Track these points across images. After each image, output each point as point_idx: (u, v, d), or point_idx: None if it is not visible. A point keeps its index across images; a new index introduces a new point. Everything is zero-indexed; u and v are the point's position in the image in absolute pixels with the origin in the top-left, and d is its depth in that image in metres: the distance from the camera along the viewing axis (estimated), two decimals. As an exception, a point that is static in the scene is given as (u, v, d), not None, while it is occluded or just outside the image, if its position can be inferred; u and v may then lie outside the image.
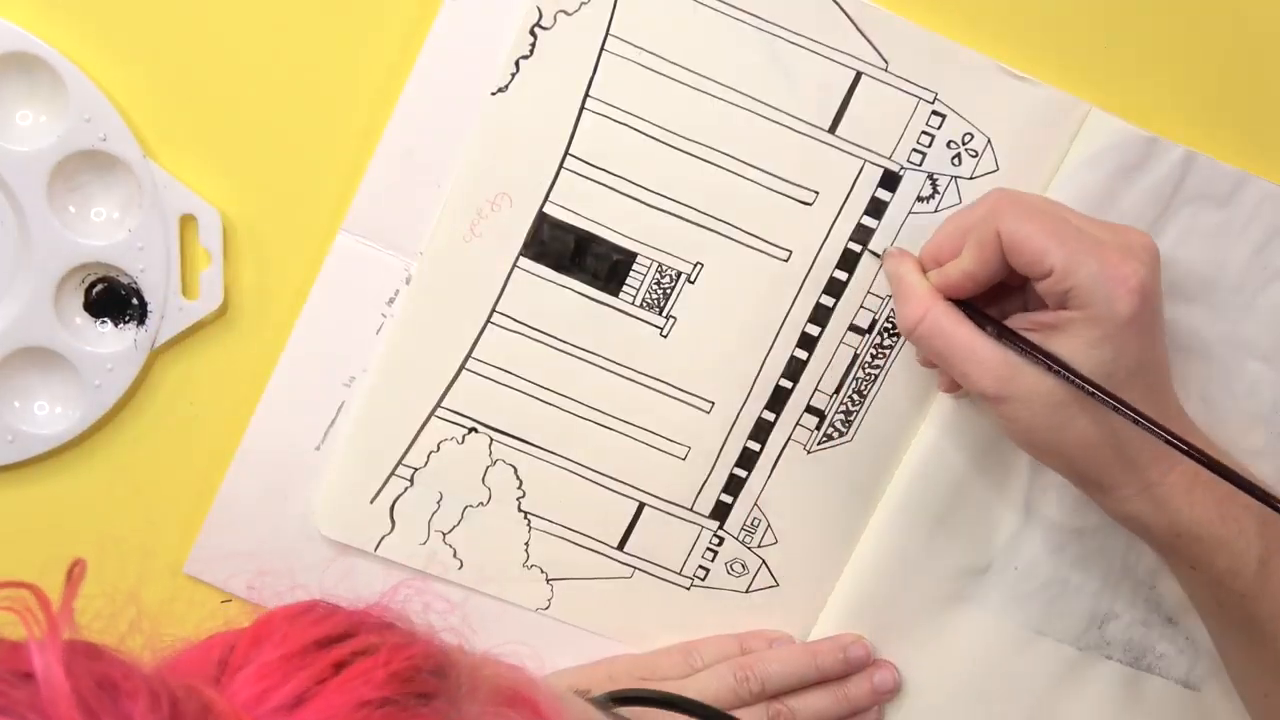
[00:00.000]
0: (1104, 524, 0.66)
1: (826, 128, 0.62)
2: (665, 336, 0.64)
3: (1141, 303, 0.55)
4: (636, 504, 0.66)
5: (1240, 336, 0.65)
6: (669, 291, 0.64)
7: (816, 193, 0.63)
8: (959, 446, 0.65)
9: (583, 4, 0.60)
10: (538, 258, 0.63)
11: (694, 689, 0.65)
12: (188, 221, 0.62)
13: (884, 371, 0.65)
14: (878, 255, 0.63)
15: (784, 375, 0.65)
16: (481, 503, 0.66)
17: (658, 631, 0.68)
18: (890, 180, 0.63)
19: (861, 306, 0.64)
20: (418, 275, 0.63)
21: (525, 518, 0.66)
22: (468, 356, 0.64)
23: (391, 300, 0.64)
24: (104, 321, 0.63)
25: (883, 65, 0.62)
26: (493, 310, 0.64)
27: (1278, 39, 0.63)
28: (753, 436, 0.66)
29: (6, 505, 0.65)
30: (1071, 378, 0.55)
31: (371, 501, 0.65)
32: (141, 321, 0.63)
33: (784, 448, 0.66)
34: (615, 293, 0.64)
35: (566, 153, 0.62)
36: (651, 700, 0.54)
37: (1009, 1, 0.62)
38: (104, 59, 0.61)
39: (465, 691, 0.37)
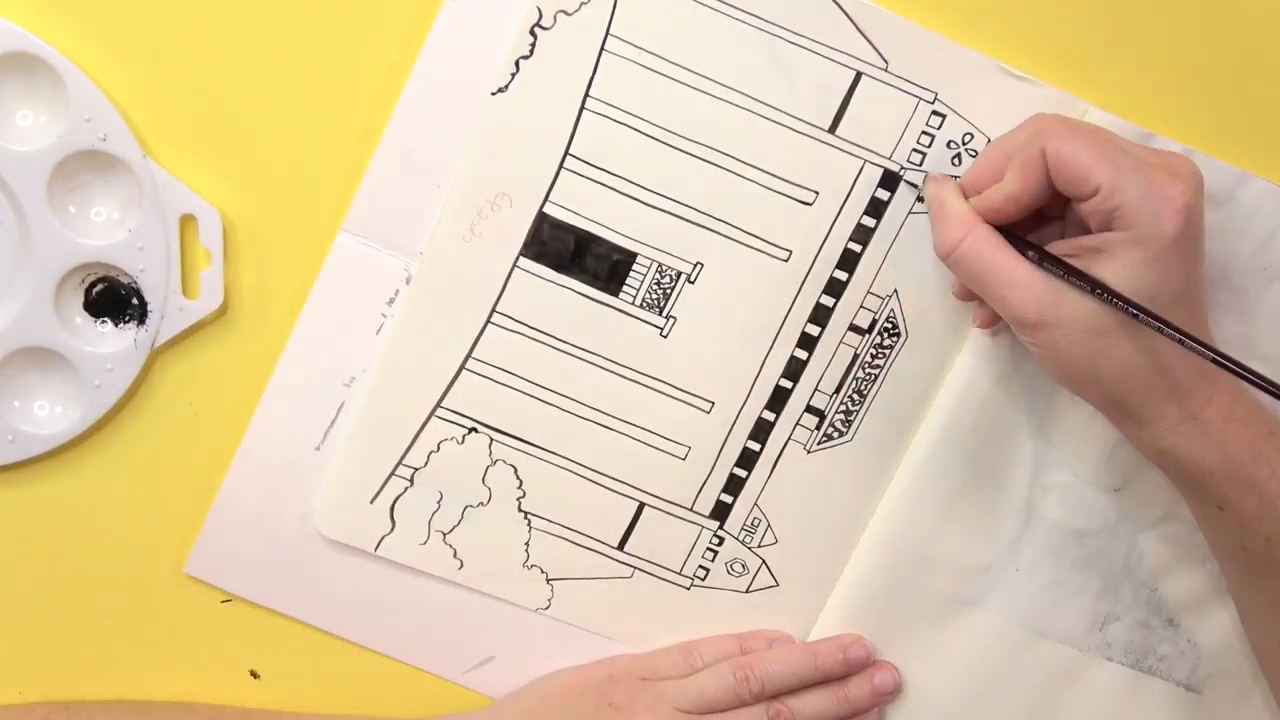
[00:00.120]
0: (1105, 526, 0.67)
1: (826, 128, 0.62)
2: (665, 336, 0.64)
3: (1187, 223, 0.54)
4: (636, 504, 0.66)
5: (1241, 337, 0.65)
6: (669, 291, 0.64)
7: (816, 193, 0.63)
8: (960, 446, 0.65)
9: (583, 4, 0.61)
10: (538, 258, 0.63)
11: (694, 689, 0.65)
12: (188, 221, 0.62)
13: (884, 371, 0.65)
14: (915, 186, 0.63)
15: (784, 375, 0.65)
16: (482, 503, 0.66)
17: (658, 632, 0.68)
18: (890, 180, 0.63)
19: (861, 306, 0.64)
20: (418, 275, 0.63)
21: (525, 518, 0.66)
22: (468, 356, 0.64)
23: (391, 300, 0.64)
24: (104, 321, 0.63)
25: (883, 65, 0.62)
26: (493, 310, 0.64)
27: (1276, 39, 0.63)
28: (753, 436, 0.66)
29: (6, 505, 0.65)
30: (1116, 301, 0.54)
31: (372, 501, 0.65)
32: (141, 321, 0.63)
33: (784, 448, 0.66)
34: (615, 293, 0.64)
35: (566, 153, 0.62)
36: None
37: (1009, 1, 0.62)
38: (104, 59, 0.61)
39: None
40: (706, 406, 0.65)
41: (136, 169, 0.61)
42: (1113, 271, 0.55)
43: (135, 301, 0.63)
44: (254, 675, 0.68)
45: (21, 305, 0.62)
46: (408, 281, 0.63)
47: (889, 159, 0.63)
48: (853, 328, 0.65)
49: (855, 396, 0.65)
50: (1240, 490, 0.57)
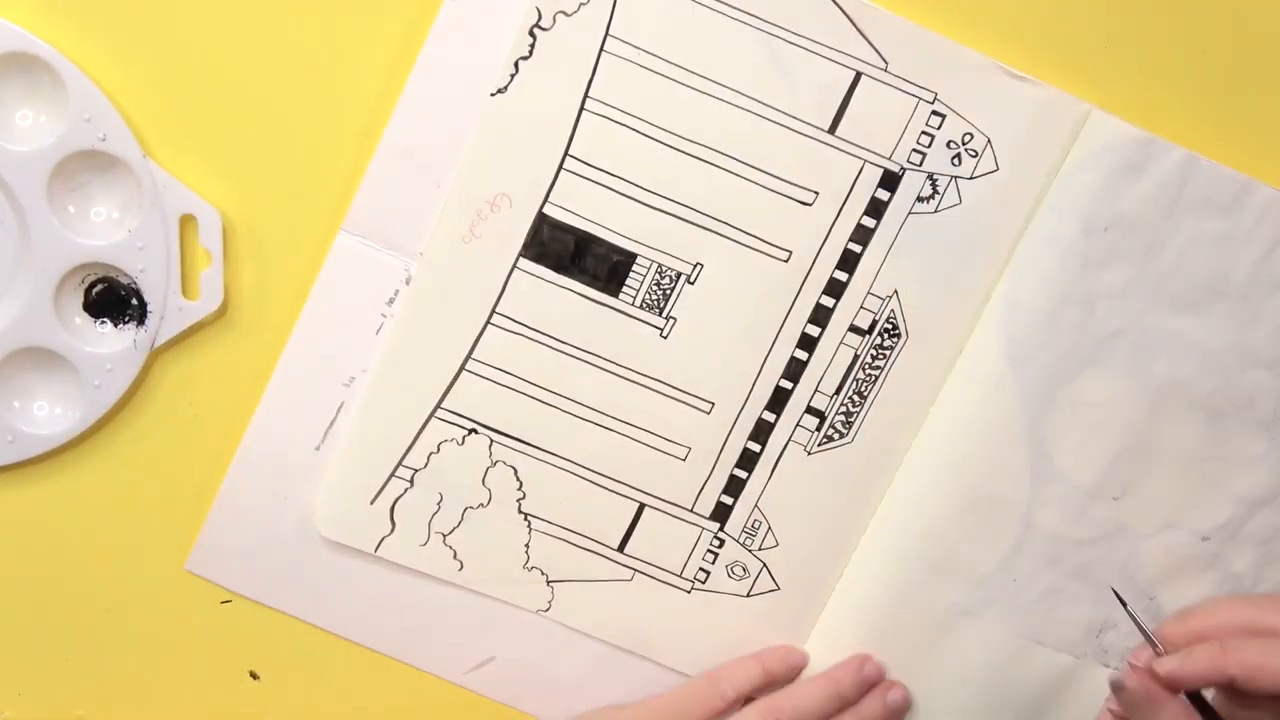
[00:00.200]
0: (1103, 534, 0.66)
1: (826, 128, 0.62)
2: (665, 337, 0.64)
3: None
4: (637, 505, 0.66)
5: (1244, 346, 0.65)
6: (669, 292, 0.64)
7: (816, 193, 0.63)
8: (959, 453, 0.65)
9: (582, 5, 0.61)
10: (538, 258, 0.63)
11: None
12: (188, 221, 0.62)
13: (884, 373, 0.65)
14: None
15: (784, 376, 0.65)
16: (482, 504, 0.66)
17: (658, 637, 0.68)
18: (890, 180, 0.63)
19: (862, 307, 0.64)
20: (418, 276, 0.63)
21: (525, 519, 0.66)
22: (468, 357, 0.64)
23: (391, 300, 0.64)
24: (104, 322, 0.63)
25: (882, 65, 0.62)
26: (493, 311, 0.64)
27: (1280, 39, 0.63)
28: (753, 437, 0.66)
29: (6, 505, 0.65)
30: None
31: (372, 502, 0.65)
32: (141, 322, 0.63)
33: (784, 449, 0.66)
34: (615, 294, 0.64)
35: (566, 153, 0.62)
36: None
37: (1009, 1, 0.62)
38: (104, 59, 0.61)
39: None
40: (707, 407, 0.65)
41: (136, 169, 0.61)
42: None
43: (135, 302, 0.63)
44: (254, 676, 0.68)
45: (21, 305, 0.62)
46: (407, 282, 0.63)
47: (889, 159, 0.63)
48: (853, 328, 0.64)
49: (856, 397, 0.65)
50: None
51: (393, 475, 0.65)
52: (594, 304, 0.64)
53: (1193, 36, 0.62)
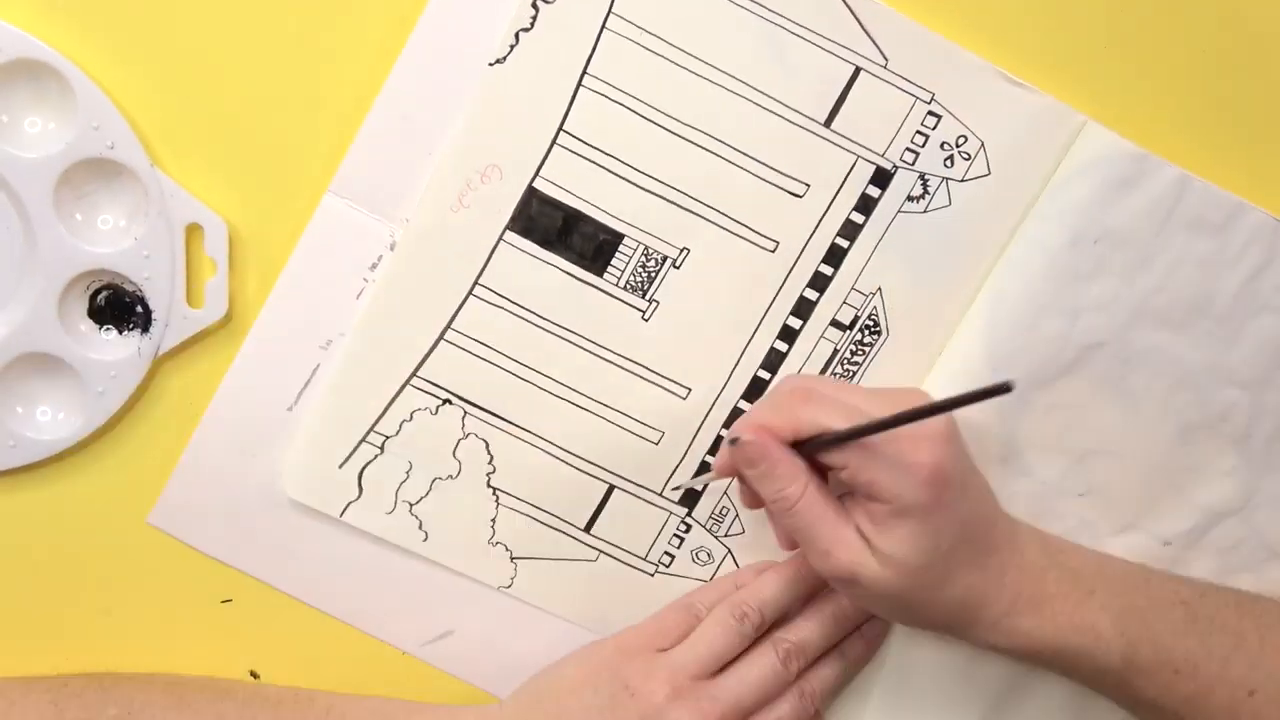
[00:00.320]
0: (1066, 529, 0.66)
1: (822, 121, 0.62)
2: (646, 320, 0.64)
3: (941, 485, 0.56)
4: (606, 486, 0.66)
5: (1222, 365, 0.65)
6: (653, 275, 0.64)
7: (808, 185, 0.63)
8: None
9: (586, -20, 0.60)
10: (524, 233, 0.63)
11: (702, 646, 0.63)
12: (194, 230, 0.62)
13: (863, 369, 0.65)
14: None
15: (763, 366, 0.65)
16: (451, 475, 0.65)
17: (620, 617, 0.67)
18: (882, 177, 0.63)
19: (845, 303, 0.64)
20: (402, 242, 0.63)
21: (494, 493, 0.66)
22: (447, 327, 0.64)
23: (374, 265, 0.63)
24: (108, 329, 0.63)
25: (882, 62, 0.62)
26: (475, 282, 0.63)
27: None
28: (728, 425, 0.65)
29: (8, 510, 0.65)
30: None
31: (340, 466, 0.65)
32: (146, 329, 0.62)
33: (758, 440, 0.66)
34: (600, 273, 0.64)
35: (560, 129, 0.62)
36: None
37: (1012, 6, 0.62)
38: (112, 66, 0.60)
39: None
40: (683, 393, 0.65)
41: (143, 177, 0.61)
42: (891, 545, 0.57)
43: (140, 309, 0.62)
44: (254, 676, 0.67)
45: (26, 311, 0.61)
46: (392, 248, 0.63)
47: (882, 156, 0.63)
48: (834, 323, 0.64)
49: (833, 393, 0.65)
50: (1072, 661, 0.61)
51: (363, 441, 0.65)
52: (578, 282, 0.64)
53: (1192, 55, 0.63)
